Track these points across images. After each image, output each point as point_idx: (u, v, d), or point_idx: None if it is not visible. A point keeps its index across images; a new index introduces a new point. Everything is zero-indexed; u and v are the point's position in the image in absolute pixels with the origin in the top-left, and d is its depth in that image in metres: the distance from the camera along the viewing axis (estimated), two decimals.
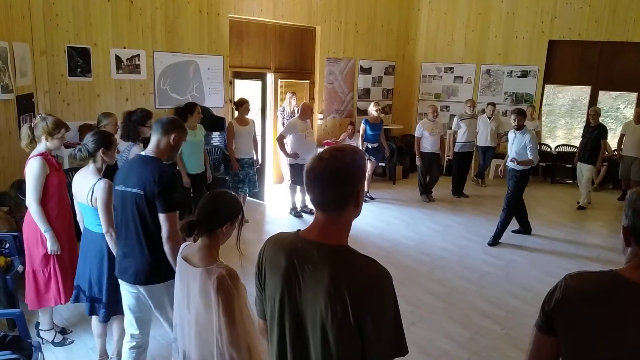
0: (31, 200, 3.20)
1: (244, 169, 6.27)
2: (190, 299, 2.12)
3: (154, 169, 2.57)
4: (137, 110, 4.48)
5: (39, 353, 2.74)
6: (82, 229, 3.28)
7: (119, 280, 2.81)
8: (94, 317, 3.20)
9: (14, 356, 2.44)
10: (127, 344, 2.87)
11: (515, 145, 5.97)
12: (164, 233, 2.55)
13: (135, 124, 4.36)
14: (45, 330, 3.59)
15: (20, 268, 3.86)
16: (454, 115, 8.80)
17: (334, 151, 1.46)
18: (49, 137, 3.24)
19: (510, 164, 6.00)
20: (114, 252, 2.94)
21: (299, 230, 1.53)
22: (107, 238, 2.94)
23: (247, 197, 6.71)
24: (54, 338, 3.60)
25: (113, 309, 3.10)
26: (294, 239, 1.49)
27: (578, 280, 1.40)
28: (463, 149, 8.20)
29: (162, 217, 2.54)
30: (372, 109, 7.75)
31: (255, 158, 6.43)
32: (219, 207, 2.12)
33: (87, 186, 2.94)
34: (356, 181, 1.44)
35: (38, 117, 3.33)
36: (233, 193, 2.27)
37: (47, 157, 3.29)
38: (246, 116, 6.23)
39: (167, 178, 2.56)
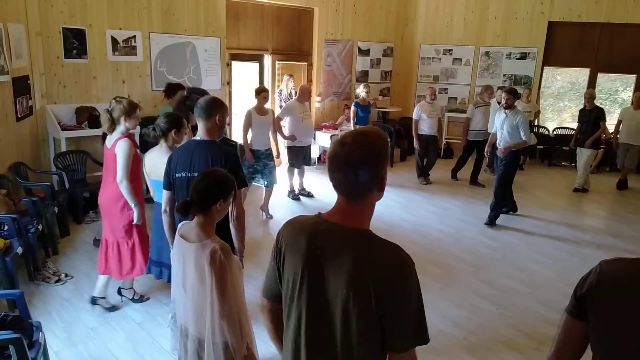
0: (123, 177, 3.48)
1: (261, 160, 5.95)
2: (187, 275, 2.17)
3: (219, 152, 2.73)
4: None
5: (40, 332, 2.78)
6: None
7: None
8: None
9: (16, 336, 2.47)
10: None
11: (507, 125, 5.82)
12: (232, 212, 2.69)
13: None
14: (126, 289, 3.93)
15: (19, 250, 3.89)
16: (453, 98, 8.74)
17: (357, 135, 1.40)
18: (127, 118, 3.52)
19: (500, 149, 5.86)
20: None
21: (320, 212, 1.49)
22: None
23: (265, 189, 6.08)
24: (133, 296, 3.95)
25: None
26: (315, 221, 1.46)
27: (613, 266, 1.36)
28: (477, 137, 7.80)
29: None
30: (362, 91, 7.67)
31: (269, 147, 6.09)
32: (210, 185, 2.17)
33: (163, 164, 3.08)
34: (380, 166, 1.38)
35: (113, 100, 3.61)
36: (224, 171, 2.30)
37: (131, 138, 3.60)
38: (265, 105, 5.98)
39: (233, 158, 2.74)
